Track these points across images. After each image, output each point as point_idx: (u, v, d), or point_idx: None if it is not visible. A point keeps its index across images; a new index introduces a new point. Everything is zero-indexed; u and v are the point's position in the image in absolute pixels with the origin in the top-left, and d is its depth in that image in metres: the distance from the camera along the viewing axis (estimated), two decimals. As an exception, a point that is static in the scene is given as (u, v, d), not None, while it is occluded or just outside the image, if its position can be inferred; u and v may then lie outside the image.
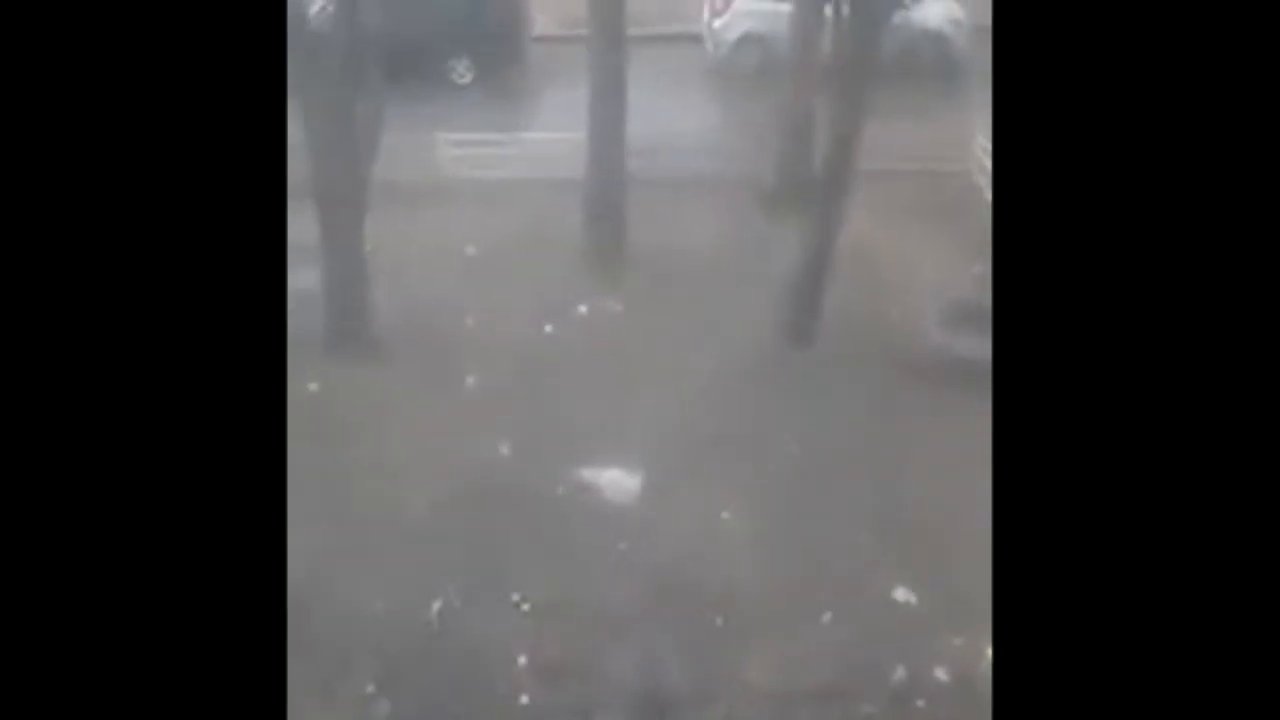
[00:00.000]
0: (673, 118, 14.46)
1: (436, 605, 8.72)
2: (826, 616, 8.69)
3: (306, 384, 10.61)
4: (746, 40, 16.55)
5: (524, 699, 8.14)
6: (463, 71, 16.48)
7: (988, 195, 12.65)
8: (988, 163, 12.70)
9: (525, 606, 8.75)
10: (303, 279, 10.65)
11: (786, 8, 13.97)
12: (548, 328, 11.76)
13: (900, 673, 8.32)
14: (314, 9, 13.21)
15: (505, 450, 10.19)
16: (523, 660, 8.35)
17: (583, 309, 12.01)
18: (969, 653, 8.31)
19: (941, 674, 8.31)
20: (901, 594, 8.91)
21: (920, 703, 8.17)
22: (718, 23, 16.78)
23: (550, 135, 13.65)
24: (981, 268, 10.47)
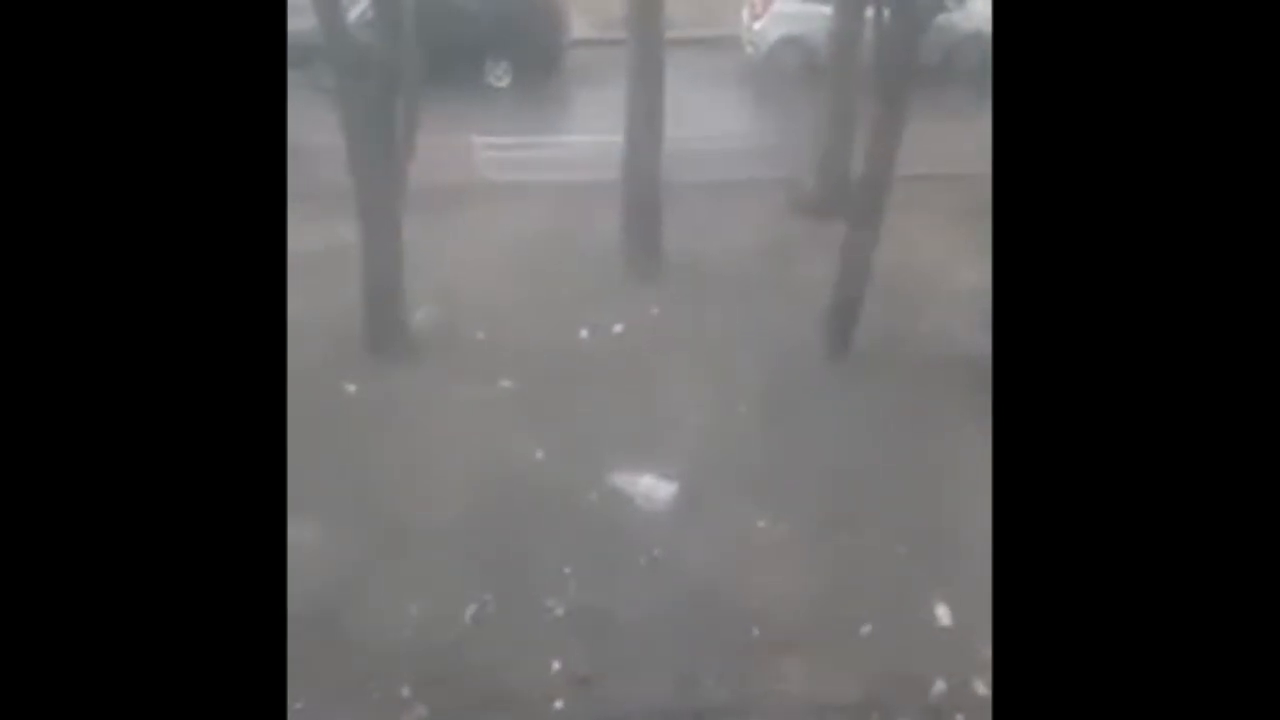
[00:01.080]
0: (711, 120, 14.39)
1: (471, 609, 8.71)
2: (865, 628, 8.58)
3: (344, 385, 10.69)
4: (785, 42, 16.46)
5: (557, 704, 8.11)
6: (500, 74, 16.53)
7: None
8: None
9: (559, 612, 8.72)
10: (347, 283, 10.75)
11: (826, 9, 13.83)
12: (583, 332, 11.73)
13: (939, 686, 8.20)
14: (354, 13, 13.30)
15: (539, 455, 10.16)
16: (556, 666, 8.32)
17: (618, 314, 11.96)
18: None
19: (980, 687, 8.17)
20: (940, 606, 8.78)
21: (959, 717, 8.05)
22: (757, 25, 16.70)
23: (587, 138, 13.62)
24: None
